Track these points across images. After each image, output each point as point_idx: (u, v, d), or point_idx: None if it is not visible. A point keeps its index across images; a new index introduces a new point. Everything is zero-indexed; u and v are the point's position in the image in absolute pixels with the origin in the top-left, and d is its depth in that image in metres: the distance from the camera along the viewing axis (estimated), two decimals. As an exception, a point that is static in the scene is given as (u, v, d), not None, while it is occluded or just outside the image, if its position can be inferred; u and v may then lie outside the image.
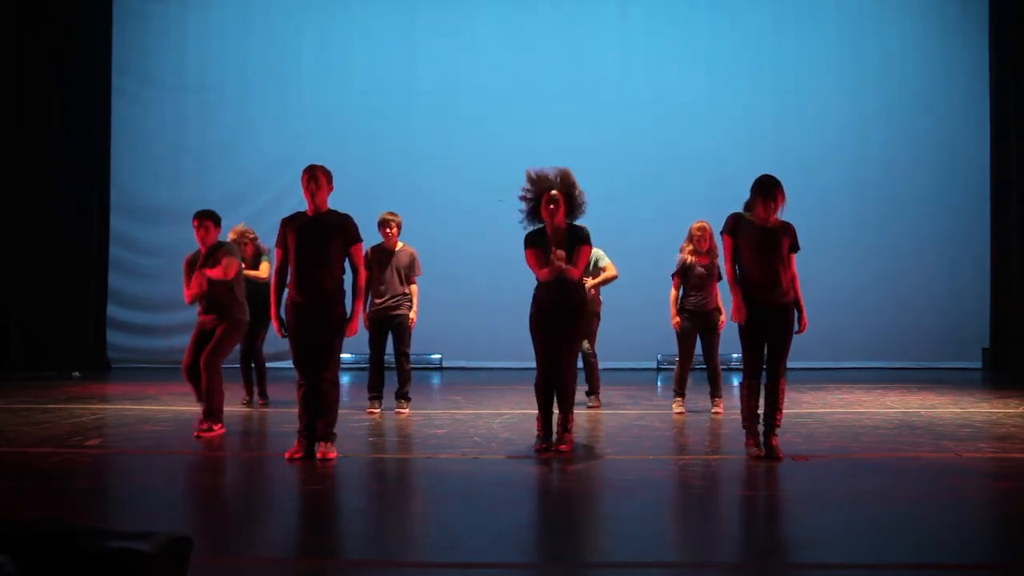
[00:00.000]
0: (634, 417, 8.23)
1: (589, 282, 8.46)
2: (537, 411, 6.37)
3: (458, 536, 4.23)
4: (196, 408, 7.34)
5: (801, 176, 13.07)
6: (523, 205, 6.42)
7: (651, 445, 6.76)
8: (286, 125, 14.01)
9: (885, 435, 7.16)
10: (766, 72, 14.22)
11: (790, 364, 6.19)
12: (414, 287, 8.52)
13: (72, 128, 13.40)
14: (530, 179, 6.38)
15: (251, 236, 9.00)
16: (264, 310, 8.22)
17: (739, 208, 6.25)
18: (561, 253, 6.20)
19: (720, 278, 8.31)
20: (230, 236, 8.51)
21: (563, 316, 6.28)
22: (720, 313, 8.45)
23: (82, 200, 13.46)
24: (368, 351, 8.48)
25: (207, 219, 7.19)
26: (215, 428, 7.05)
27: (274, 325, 6.26)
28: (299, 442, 6.03)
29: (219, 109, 14.18)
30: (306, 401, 6.04)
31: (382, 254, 8.43)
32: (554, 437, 6.37)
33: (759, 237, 6.04)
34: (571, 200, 6.31)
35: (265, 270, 8.93)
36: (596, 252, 8.41)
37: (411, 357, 8.56)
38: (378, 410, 8.27)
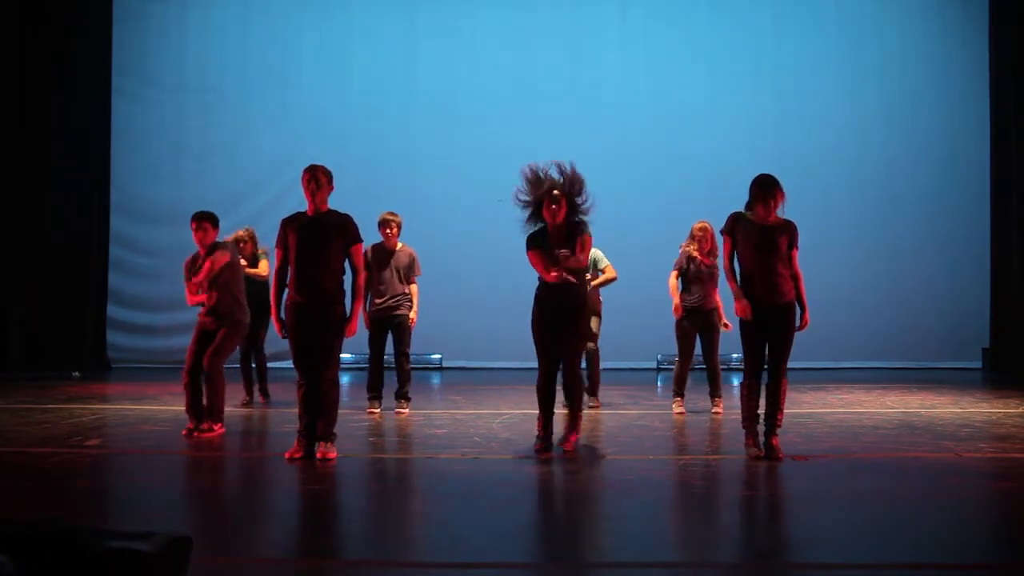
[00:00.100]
0: (634, 417, 8.23)
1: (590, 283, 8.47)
2: (537, 411, 6.36)
3: (458, 536, 4.23)
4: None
5: (801, 176, 13.08)
6: (523, 208, 6.38)
7: (651, 445, 6.76)
8: (286, 125, 14.01)
9: (885, 435, 7.16)
10: (766, 72, 14.21)
11: (790, 364, 6.19)
12: (414, 287, 8.53)
13: (72, 128, 13.40)
14: (528, 181, 6.36)
15: (251, 234, 9.03)
16: (264, 309, 8.23)
17: (740, 208, 6.24)
18: (565, 253, 6.17)
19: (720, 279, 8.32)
20: (231, 239, 8.53)
21: (564, 316, 6.28)
22: (720, 315, 8.44)
23: (82, 200, 13.46)
24: (368, 351, 8.48)
25: (205, 220, 7.19)
26: (215, 428, 7.05)
27: (275, 326, 6.26)
28: (299, 442, 6.03)
29: (219, 109, 14.18)
30: (306, 401, 6.04)
31: (382, 254, 8.43)
32: (556, 437, 6.37)
33: (759, 236, 6.04)
34: (573, 202, 6.30)
35: (265, 268, 8.94)
36: (596, 253, 8.41)
37: (411, 357, 8.56)
38: (378, 410, 8.27)
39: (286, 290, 6.18)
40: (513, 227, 6.52)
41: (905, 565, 3.80)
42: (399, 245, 8.50)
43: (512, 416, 8.15)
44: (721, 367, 8.68)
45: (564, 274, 6.17)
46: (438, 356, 13.83)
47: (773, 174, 6.10)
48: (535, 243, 6.33)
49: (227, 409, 7.42)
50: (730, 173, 13.42)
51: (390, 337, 8.47)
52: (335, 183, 6.20)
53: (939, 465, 5.92)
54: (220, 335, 7.12)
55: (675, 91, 14.12)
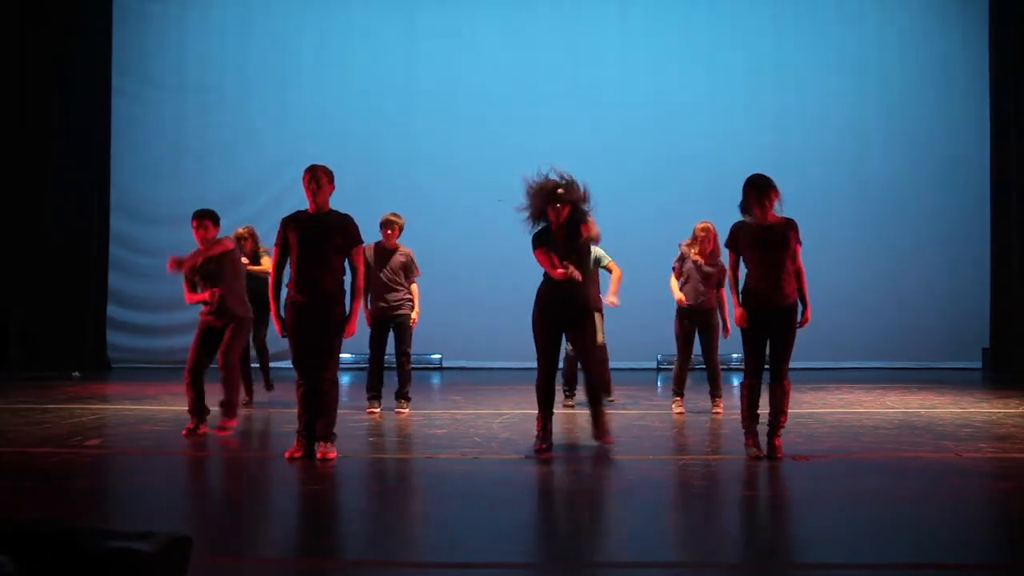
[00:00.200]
0: (634, 417, 8.23)
1: (613, 300, 8.53)
2: (537, 411, 6.36)
3: (458, 536, 4.23)
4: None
5: (801, 176, 13.09)
6: (525, 212, 6.37)
7: (651, 445, 6.76)
8: (286, 125, 14.01)
9: (885, 435, 7.16)
10: (766, 72, 14.21)
11: (791, 364, 6.19)
12: (415, 287, 8.53)
13: (72, 128, 13.39)
14: (531, 193, 6.35)
15: (252, 232, 9.05)
16: (265, 306, 8.25)
17: (737, 207, 6.23)
18: (574, 272, 6.18)
19: (722, 283, 8.31)
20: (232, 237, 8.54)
21: (568, 313, 6.28)
22: (723, 316, 8.43)
23: (82, 200, 13.46)
24: (368, 351, 8.49)
25: (206, 218, 7.20)
26: (228, 425, 7.12)
27: (275, 324, 6.27)
28: (299, 442, 6.03)
29: (219, 109, 14.18)
30: (305, 401, 6.03)
31: (381, 254, 8.44)
32: (556, 437, 6.37)
33: (759, 238, 6.04)
34: (576, 205, 6.30)
35: (267, 265, 8.95)
36: (597, 251, 8.42)
37: (411, 357, 8.56)
38: (378, 410, 8.27)
39: (285, 289, 6.19)
40: (513, 227, 6.52)
41: (905, 565, 3.80)
42: (398, 245, 8.50)
43: (512, 416, 8.15)
44: (721, 367, 8.68)
45: (571, 269, 6.17)
46: (438, 356, 13.82)
47: (764, 173, 6.09)
48: (541, 241, 6.32)
49: (217, 410, 7.44)
50: (730, 173, 13.36)
51: (391, 337, 8.48)
52: (335, 183, 6.20)
53: (939, 465, 5.92)
54: (228, 333, 7.14)
55: (675, 91, 14.11)
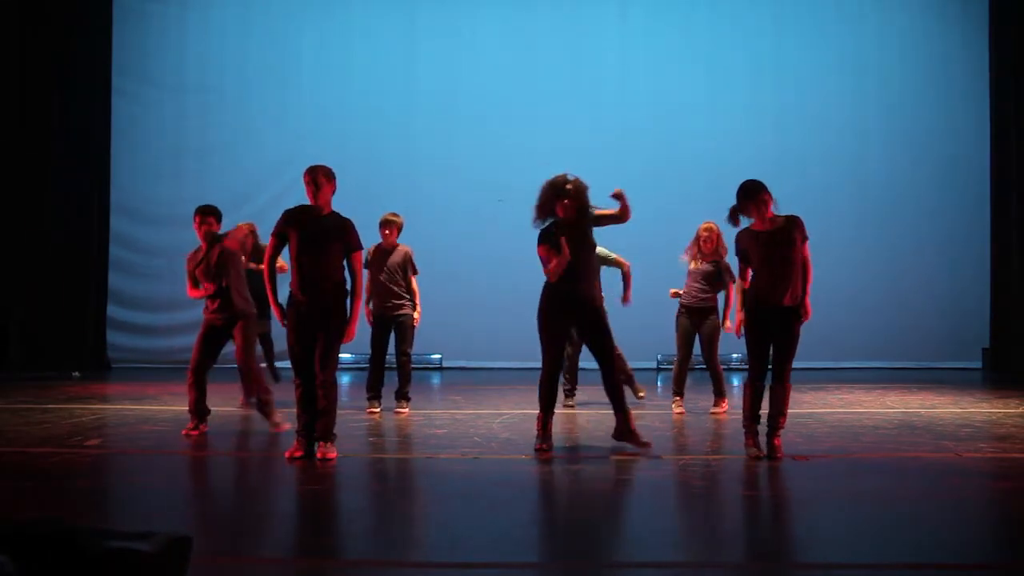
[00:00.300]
0: (634, 417, 8.20)
1: (627, 299, 8.66)
2: (538, 410, 6.35)
3: (458, 536, 4.23)
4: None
5: (801, 176, 13.11)
6: (533, 208, 6.37)
7: (651, 445, 6.75)
8: (286, 125, 14.01)
9: (885, 435, 7.16)
10: (766, 72, 14.21)
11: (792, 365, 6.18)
12: (415, 285, 8.49)
13: (72, 128, 13.40)
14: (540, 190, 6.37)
15: (253, 229, 9.07)
16: (266, 304, 8.26)
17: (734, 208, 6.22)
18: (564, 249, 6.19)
19: (726, 282, 8.33)
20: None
21: (574, 309, 6.27)
22: (717, 315, 8.43)
23: (82, 200, 13.46)
24: (369, 350, 8.48)
25: (209, 215, 7.22)
26: (275, 420, 7.16)
27: (274, 312, 6.31)
28: (299, 442, 6.03)
29: (219, 109, 14.18)
30: (304, 401, 6.03)
31: (380, 254, 8.44)
32: (557, 437, 6.37)
33: (762, 241, 6.05)
34: (583, 203, 6.32)
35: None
36: (601, 250, 8.42)
37: (411, 357, 8.55)
38: (378, 410, 8.27)
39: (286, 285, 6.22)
40: (513, 227, 6.54)
41: (905, 565, 3.80)
42: (397, 244, 8.50)
43: (512, 416, 8.15)
44: (722, 367, 8.66)
45: (562, 266, 6.16)
46: (438, 356, 13.82)
47: (754, 179, 6.09)
48: (546, 239, 6.32)
49: (224, 410, 7.45)
50: (730, 173, 13.31)
51: (392, 337, 8.48)
52: (336, 183, 6.18)
53: (939, 465, 5.92)
54: (237, 335, 7.17)
55: (675, 91, 14.12)
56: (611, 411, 6.41)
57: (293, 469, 5.75)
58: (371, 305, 8.42)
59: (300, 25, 14.30)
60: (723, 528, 4.62)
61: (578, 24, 14.33)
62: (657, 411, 8.65)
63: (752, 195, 6.02)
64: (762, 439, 6.13)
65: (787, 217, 6.12)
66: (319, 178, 6.04)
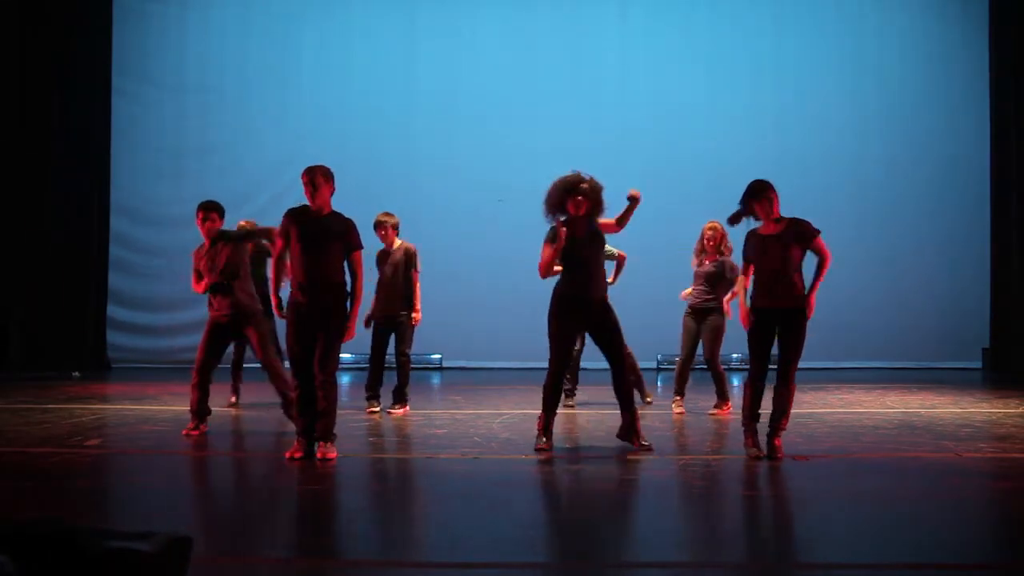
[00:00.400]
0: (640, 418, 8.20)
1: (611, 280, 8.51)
2: (540, 410, 6.35)
3: (458, 536, 4.23)
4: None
5: (801, 176, 13.09)
6: (543, 205, 6.38)
7: (653, 448, 6.75)
8: (286, 125, 14.01)
9: (885, 435, 7.16)
10: (766, 72, 14.21)
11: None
12: (416, 285, 8.45)
13: (72, 128, 13.40)
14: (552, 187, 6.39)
15: (255, 227, 9.08)
16: (268, 304, 8.28)
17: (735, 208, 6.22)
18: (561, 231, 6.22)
19: (731, 280, 8.33)
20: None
21: (586, 311, 6.27)
22: (720, 315, 8.42)
23: (82, 200, 13.46)
24: (369, 351, 8.48)
25: (213, 211, 7.23)
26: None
27: (273, 304, 6.47)
28: (299, 442, 6.02)
29: (219, 109, 14.18)
30: (303, 402, 6.03)
31: (383, 256, 8.45)
32: (557, 437, 6.36)
33: (766, 244, 6.06)
34: (597, 202, 6.32)
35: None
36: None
37: (411, 358, 8.54)
38: (377, 409, 8.27)
39: (287, 282, 6.24)
40: (513, 227, 6.55)
41: (905, 565, 3.80)
42: (396, 244, 8.48)
43: (512, 416, 8.15)
44: (723, 367, 8.65)
45: (554, 256, 6.19)
46: (438, 356, 13.82)
47: (761, 178, 6.10)
48: (553, 238, 6.32)
49: (216, 410, 7.45)
50: (730, 173, 13.37)
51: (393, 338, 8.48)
52: (336, 182, 6.18)
53: (939, 465, 5.92)
54: (252, 332, 7.21)
55: (675, 91, 14.12)
56: (611, 411, 6.41)
57: (293, 469, 5.75)
58: (374, 309, 8.43)
59: (300, 25, 14.30)
60: (723, 528, 4.62)
61: (578, 24, 14.32)
62: (657, 411, 8.65)
63: (758, 193, 6.02)
64: (762, 438, 6.12)
65: (790, 220, 6.11)
66: (316, 178, 6.03)
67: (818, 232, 6.09)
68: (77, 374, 12.38)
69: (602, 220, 6.41)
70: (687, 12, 14.40)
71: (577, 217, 6.30)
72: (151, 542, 2.87)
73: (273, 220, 6.90)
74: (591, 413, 8.41)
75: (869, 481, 5.44)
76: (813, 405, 9.11)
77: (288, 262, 6.16)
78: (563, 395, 8.54)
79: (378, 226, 8.43)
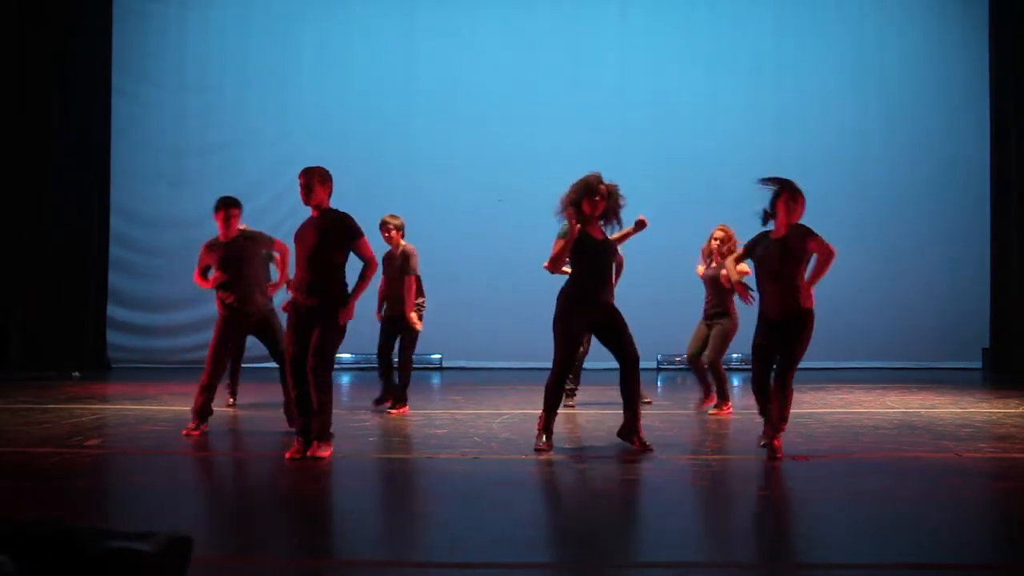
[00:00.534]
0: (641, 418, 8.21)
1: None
2: (541, 410, 6.35)
3: (458, 536, 4.23)
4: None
5: (801, 176, 12.82)
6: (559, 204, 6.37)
7: (653, 449, 6.75)
8: (286, 125, 14.02)
9: (885, 435, 7.16)
10: (766, 72, 14.21)
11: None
12: (409, 285, 8.38)
13: (72, 128, 13.40)
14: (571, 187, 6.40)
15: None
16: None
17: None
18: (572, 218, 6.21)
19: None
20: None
21: (594, 314, 6.27)
22: (729, 318, 8.40)
23: (82, 200, 13.47)
24: (376, 352, 8.53)
25: (236, 207, 7.31)
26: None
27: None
28: (298, 442, 6.02)
29: (219, 109, 14.19)
30: (300, 403, 6.03)
31: (387, 258, 8.46)
32: (557, 437, 6.37)
33: (770, 250, 6.06)
34: (614, 202, 6.31)
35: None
36: None
37: (412, 360, 8.54)
38: (396, 410, 8.29)
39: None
40: (513, 227, 6.55)
41: (905, 565, 3.80)
42: (401, 245, 8.48)
43: (512, 416, 8.15)
44: (724, 367, 8.66)
45: (566, 250, 6.18)
46: (438, 356, 13.82)
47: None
48: (564, 233, 6.31)
49: (216, 410, 7.46)
50: (730, 173, 13.46)
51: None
52: (335, 183, 6.17)
53: (939, 465, 5.92)
54: (270, 333, 7.28)
55: (675, 91, 14.13)
56: (611, 411, 6.41)
57: (293, 469, 5.74)
58: (382, 311, 8.54)
59: (300, 25, 14.30)
60: (723, 528, 4.62)
61: (578, 24, 14.33)
62: (657, 411, 8.64)
63: (793, 191, 6.01)
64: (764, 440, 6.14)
65: (795, 226, 6.09)
66: (312, 180, 6.03)
67: (810, 230, 6.07)
68: (77, 374, 12.38)
69: (612, 236, 6.47)
70: (687, 12, 14.41)
71: (592, 218, 6.29)
72: (151, 542, 2.87)
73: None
74: (591, 413, 8.41)
75: (869, 481, 5.44)
76: (813, 405, 9.11)
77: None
78: (565, 395, 8.59)
79: (381, 227, 8.45)
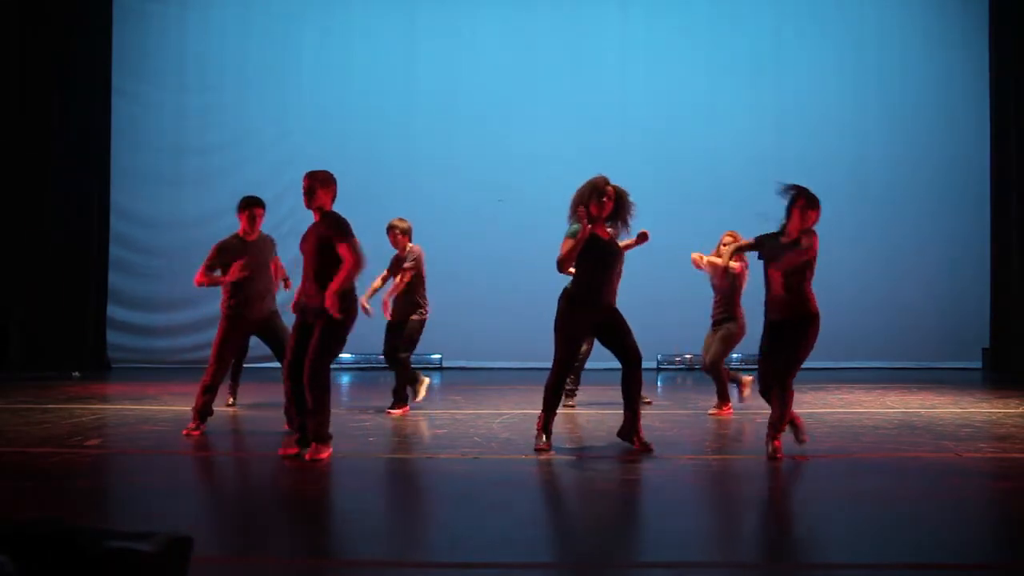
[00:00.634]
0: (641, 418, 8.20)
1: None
2: (541, 410, 6.35)
3: (458, 536, 4.23)
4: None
5: (801, 176, 12.88)
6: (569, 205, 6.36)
7: (653, 449, 6.74)
8: (286, 125, 14.02)
9: (885, 435, 7.16)
10: (766, 72, 14.21)
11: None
12: (399, 284, 8.39)
13: (72, 128, 13.40)
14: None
15: None
16: None
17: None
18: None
19: (737, 290, 8.33)
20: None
21: (597, 316, 6.27)
22: (734, 322, 8.39)
23: (82, 200, 13.46)
24: (382, 356, 8.54)
25: (260, 207, 7.37)
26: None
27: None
28: (296, 441, 6.02)
29: (219, 109, 14.18)
30: (298, 403, 6.03)
31: (394, 261, 8.47)
32: (556, 437, 6.37)
33: (775, 253, 6.06)
34: (622, 204, 6.30)
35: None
36: None
37: (411, 358, 8.55)
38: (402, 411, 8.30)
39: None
40: (513, 227, 6.55)
41: (905, 565, 3.80)
42: (408, 247, 8.47)
43: (512, 416, 8.15)
44: (724, 367, 8.65)
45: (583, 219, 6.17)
46: (438, 356, 13.81)
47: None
48: (573, 233, 6.31)
49: (216, 410, 7.46)
50: (730, 173, 13.48)
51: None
52: (335, 183, 6.17)
53: (939, 465, 5.92)
54: (278, 334, 7.28)
55: (675, 91, 14.12)
56: (611, 411, 6.41)
57: (293, 469, 5.75)
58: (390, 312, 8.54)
59: (300, 25, 14.30)
60: (723, 528, 4.62)
61: (578, 24, 14.33)
62: (657, 411, 8.65)
63: (811, 200, 6.00)
64: (761, 439, 6.13)
65: (800, 233, 6.09)
66: (313, 184, 6.02)
67: (811, 230, 6.07)
68: (77, 374, 12.38)
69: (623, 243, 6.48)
70: (687, 12, 14.41)
71: (599, 219, 6.29)
72: (151, 542, 2.87)
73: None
74: (591, 413, 8.41)
75: (869, 481, 5.44)
76: (813, 405, 9.11)
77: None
78: (565, 395, 8.59)
79: (387, 231, 8.45)
